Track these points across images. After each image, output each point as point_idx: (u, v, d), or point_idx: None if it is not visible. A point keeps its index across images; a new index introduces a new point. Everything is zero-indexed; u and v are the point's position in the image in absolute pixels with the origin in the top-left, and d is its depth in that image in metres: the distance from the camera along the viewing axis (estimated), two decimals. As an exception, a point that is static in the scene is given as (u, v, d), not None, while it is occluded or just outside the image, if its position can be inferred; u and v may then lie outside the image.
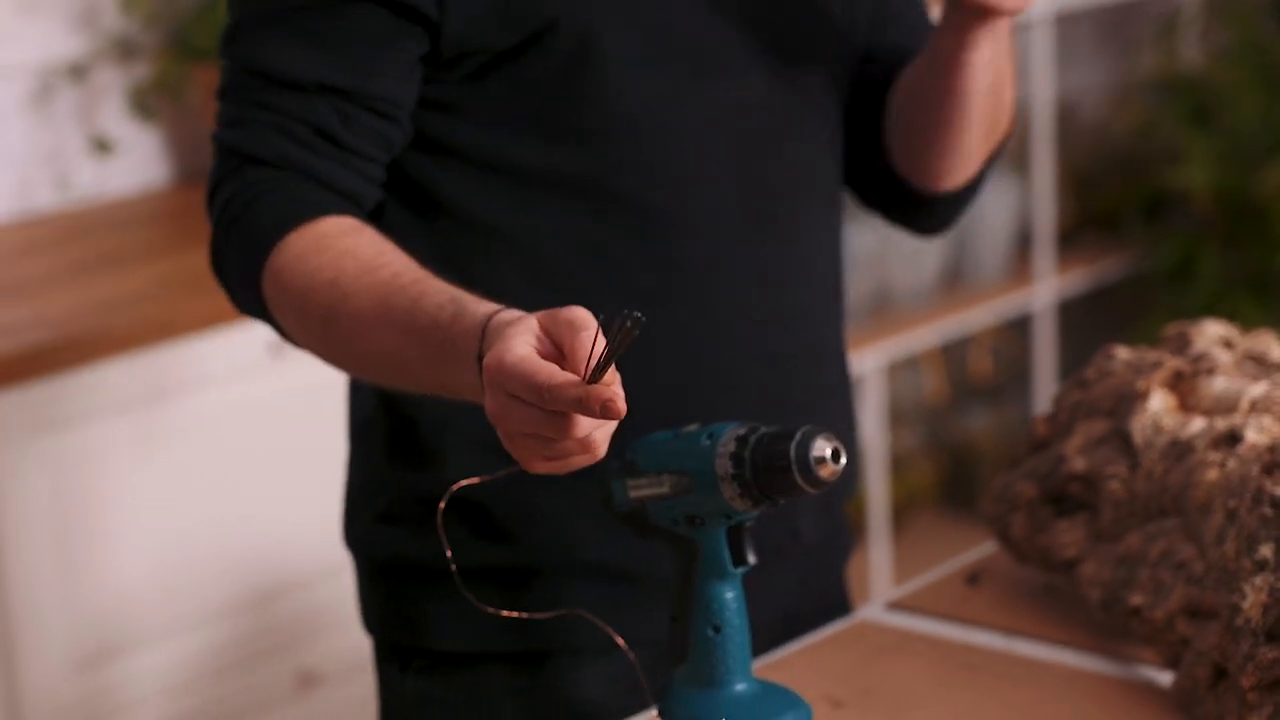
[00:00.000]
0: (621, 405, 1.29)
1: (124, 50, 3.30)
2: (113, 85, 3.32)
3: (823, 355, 1.79)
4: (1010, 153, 4.40)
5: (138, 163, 3.37)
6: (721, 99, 1.68)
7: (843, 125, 1.81)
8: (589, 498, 1.61)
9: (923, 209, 1.86)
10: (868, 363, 3.92)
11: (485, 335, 1.40)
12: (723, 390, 1.70)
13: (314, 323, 1.57)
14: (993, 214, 4.17)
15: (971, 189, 1.85)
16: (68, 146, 3.29)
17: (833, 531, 1.85)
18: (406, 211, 1.68)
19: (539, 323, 1.35)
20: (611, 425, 1.34)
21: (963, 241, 4.16)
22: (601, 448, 1.34)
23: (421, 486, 1.71)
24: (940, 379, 4.41)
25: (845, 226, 1.86)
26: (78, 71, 3.25)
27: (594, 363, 1.30)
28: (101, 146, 3.28)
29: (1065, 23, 4.49)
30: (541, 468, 1.36)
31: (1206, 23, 4.51)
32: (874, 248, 3.93)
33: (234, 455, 2.84)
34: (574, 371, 1.31)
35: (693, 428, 1.51)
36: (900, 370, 4.31)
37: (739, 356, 1.70)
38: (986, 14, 1.64)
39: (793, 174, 1.73)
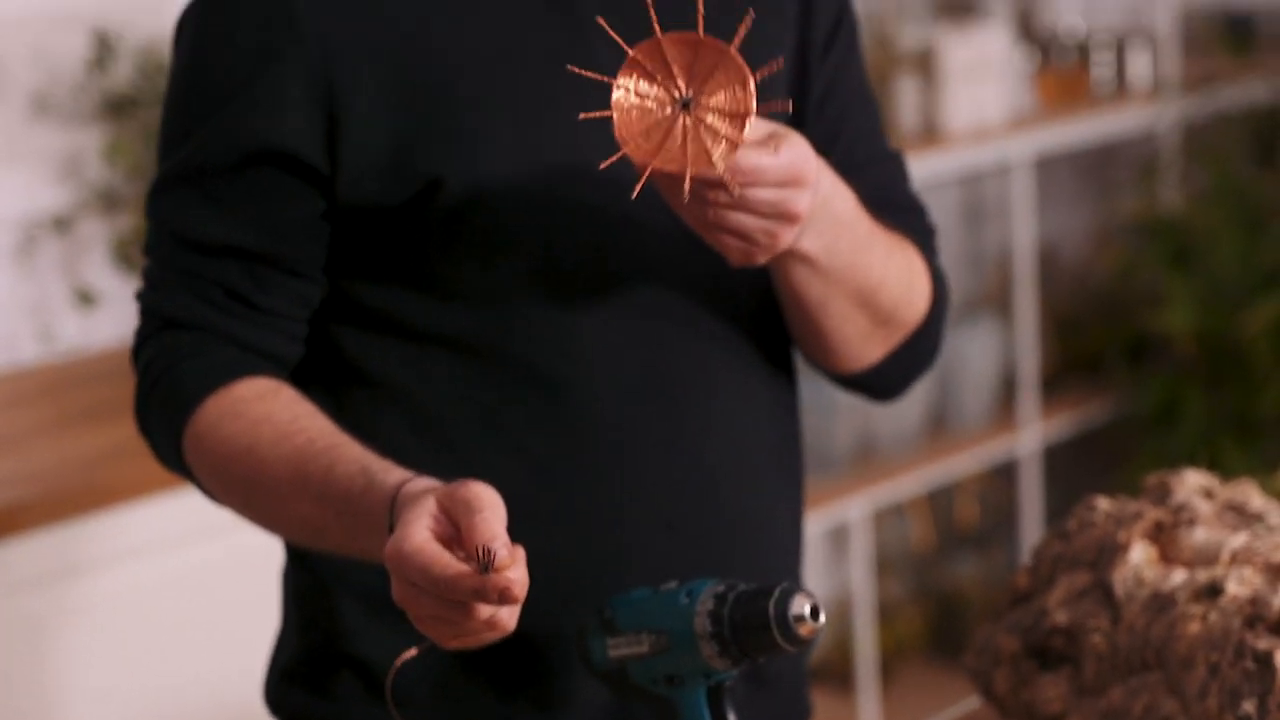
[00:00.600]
0: (519, 590, 1.31)
1: (107, 202, 3.31)
2: (96, 237, 3.33)
3: (748, 522, 1.71)
4: (992, 297, 4.42)
5: (122, 315, 3.37)
6: (622, 265, 1.64)
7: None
8: (482, 667, 1.61)
9: (844, 383, 1.80)
10: (853, 511, 3.91)
11: (394, 508, 1.42)
12: (625, 558, 1.64)
13: (236, 489, 1.60)
14: (976, 359, 4.18)
15: (881, 379, 1.78)
16: (51, 298, 3.29)
17: (765, 708, 1.74)
18: (308, 368, 1.69)
19: (437, 502, 1.36)
20: (516, 606, 1.34)
21: (946, 387, 4.17)
22: (509, 624, 1.35)
23: (317, 644, 1.70)
24: (927, 526, 4.40)
25: (793, 385, 1.78)
26: (61, 224, 3.26)
27: (484, 551, 1.31)
28: (85, 298, 3.28)
29: (1045, 166, 4.52)
30: (454, 645, 1.38)
31: (1185, 166, 4.55)
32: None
33: (207, 613, 2.82)
34: (470, 554, 1.32)
35: (671, 585, 1.50)
36: (886, 518, 4.30)
37: (641, 524, 1.65)
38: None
39: (703, 339, 1.68)
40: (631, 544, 1.65)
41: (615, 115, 1.42)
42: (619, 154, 1.42)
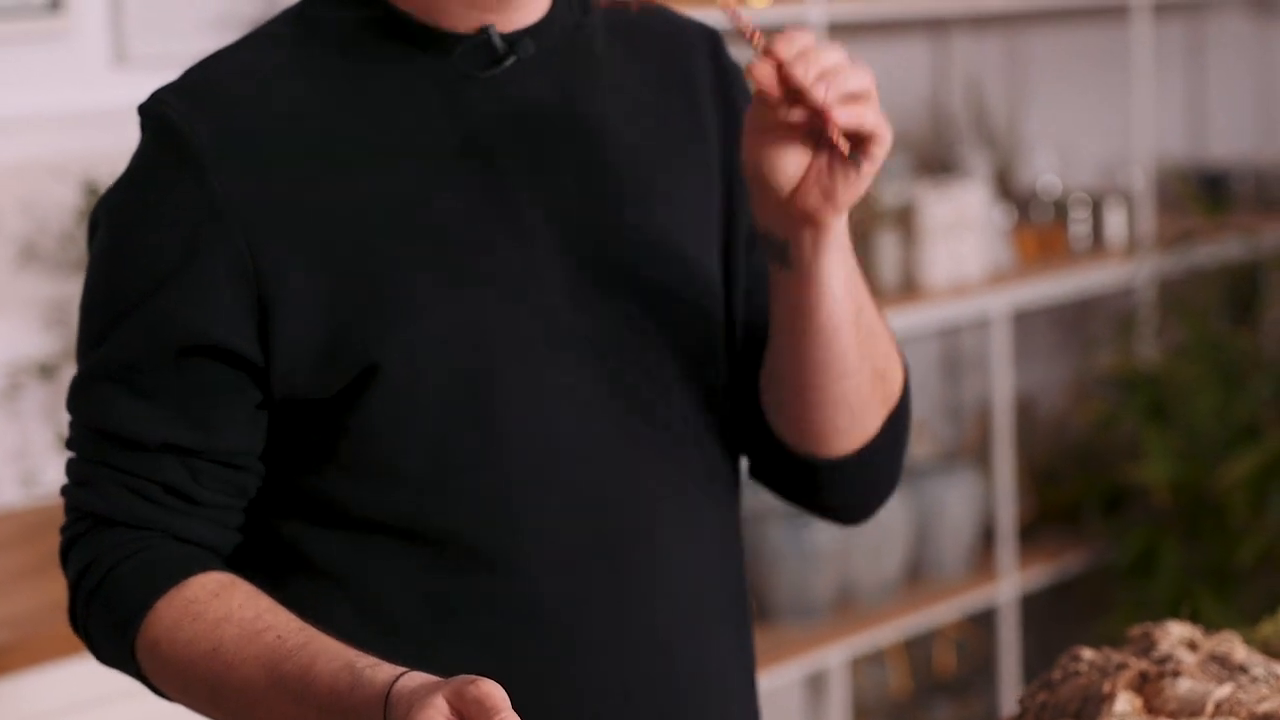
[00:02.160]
0: None
1: (93, 349, 3.33)
2: (81, 384, 3.34)
3: (704, 681, 1.68)
4: (971, 448, 4.44)
5: (104, 460, 3.38)
6: (562, 433, 1.61)
7: (727, 420, 1.71)
8: None
9: (822, 485, 1.73)
10: (832, 658, 3.91)
11: (389, 706, 1.38)
12: None
13: (200, 694, 1.55)
14: (954, 509, 4.20)
15: (873, 462, 1.73)
16: (35, 443, 3.30)
17: None
18: (248, 557, 1.65)
19: (447, 702, 1.34)
20: None
21: (925, 537, 4.18)
22: None
23: None
24: (904, 674, 4.40)
25: (739, 538, 1.75)
26: (46, 370, 3.28)
27: None
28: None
29: (1023, 321, 4.56)
30: None
31: (1161, 321, 4.59)
32: (837, 544, 3.94)
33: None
34: None
35: None
36: (864, 665, 4.30)
37: (598, 693, 1.63)
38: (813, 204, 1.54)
39: (647, 501, 1.65)
40: (589, 713, 1.63)
41: None
42: None
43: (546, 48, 1.66)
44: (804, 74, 1.48)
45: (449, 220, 1.60)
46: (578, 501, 1.62)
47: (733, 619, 1.74)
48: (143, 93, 1.64)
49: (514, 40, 1.65)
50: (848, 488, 1.75)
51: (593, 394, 1.63)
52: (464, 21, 1.64)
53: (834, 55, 1.49)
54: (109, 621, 1.59)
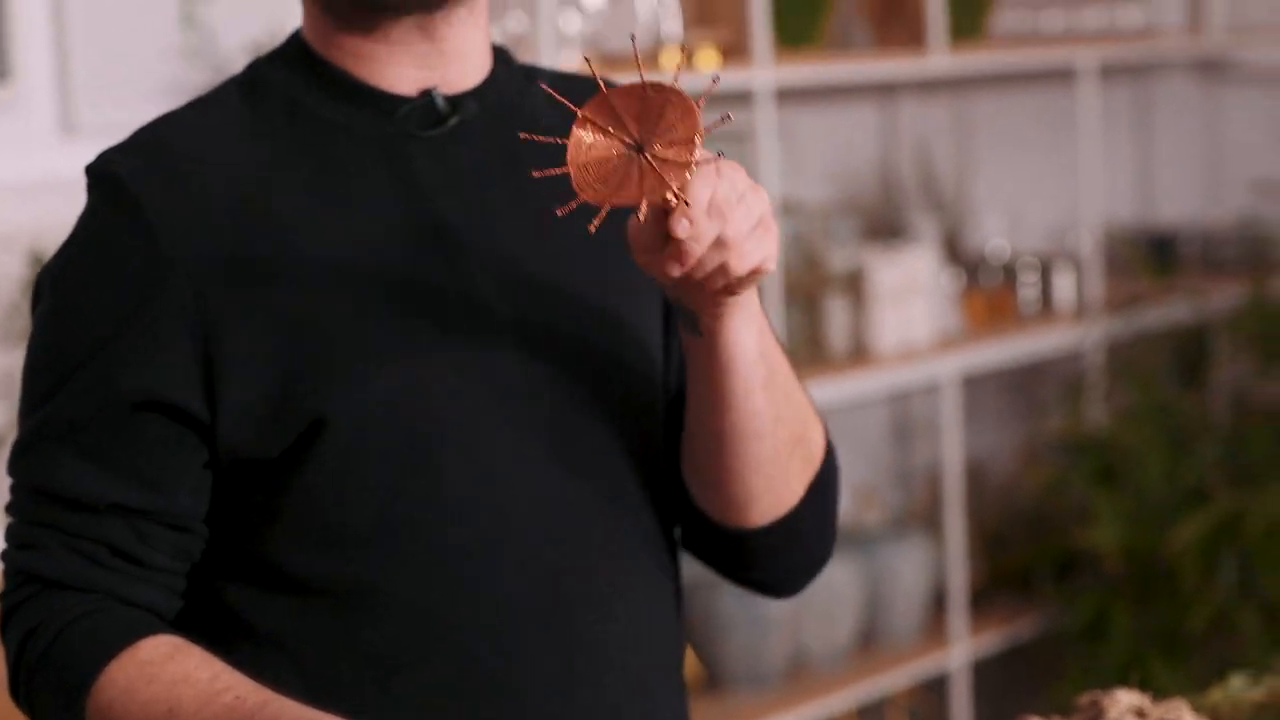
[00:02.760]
0: None
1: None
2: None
3: None
4: (921, 514, 4.44)
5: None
6: (509, 496, 1.61)
7: (665, 489, 1.71)
8: None
9: (749, 556, 1.73)
10: (785, 726, 3.90)
11: None
12: None
13: None
14: (905, 575, 4.20)
15: (799, 530, 1.71)
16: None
17: None
18: (190, 622, 1.62)
19: None
20: None
21: (876, 603, 4.18)
22: None
23: None
24: (857, 741, 4.39)
25: (681, 604, 1.74)
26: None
27: None
28: (14, 515, 3.27)
29: (972, 384, 4.57)
30: None
31: (1110, 384, 4.60)
32: (788, 611, 3.93)
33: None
34: None
35: None
36: (817, 733, 4.29)
37: None
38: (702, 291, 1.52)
39: (594, 567, 1.64)
40: None
41: (572, 171, 1.42)
42: (576, 201, 1.42)
43: (490, 109, 1.67)
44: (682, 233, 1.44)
45: (395, 282, 1.60)
46: (525, 566, 1.61)
47: (675, 687, 1.73)
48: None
49: (457, 102, 1.66)
50: (774, 560, 1.74)
51: (540, 459, 1.63)
52: (407, 84, 1.65)
53: (707, 232, 1.46)
54: (57, 685, 1.56)
